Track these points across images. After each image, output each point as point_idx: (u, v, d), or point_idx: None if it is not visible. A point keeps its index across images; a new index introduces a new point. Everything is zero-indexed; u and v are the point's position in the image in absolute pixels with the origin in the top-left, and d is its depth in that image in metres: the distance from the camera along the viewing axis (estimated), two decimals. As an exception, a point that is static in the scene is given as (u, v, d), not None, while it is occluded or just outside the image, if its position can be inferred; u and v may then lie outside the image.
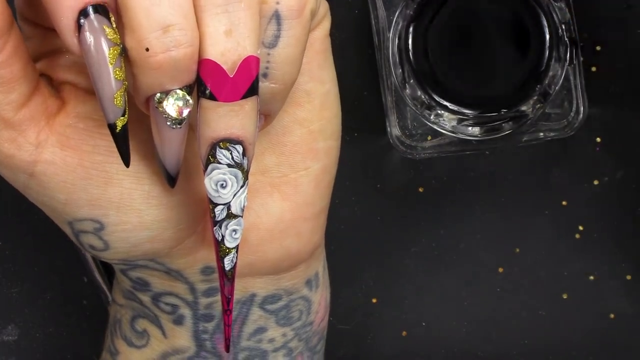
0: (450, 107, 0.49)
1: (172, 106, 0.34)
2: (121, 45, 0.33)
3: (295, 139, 0.39)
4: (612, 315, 0.54)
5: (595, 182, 0.54)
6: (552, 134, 0.50)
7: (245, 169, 0.35)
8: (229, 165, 0.35)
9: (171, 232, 0.39)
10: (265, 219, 0.40)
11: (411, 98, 0.49)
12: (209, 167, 0.35)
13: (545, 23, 0.48)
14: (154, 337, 0.43)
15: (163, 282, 0.42)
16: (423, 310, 0.55)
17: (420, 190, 0.54)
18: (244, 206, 0.36)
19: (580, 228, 0.54)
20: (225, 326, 0.39)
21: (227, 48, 0.33)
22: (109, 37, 0.33)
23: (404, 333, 0.55)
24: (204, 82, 0.34)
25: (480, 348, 0.55)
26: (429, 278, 0.55)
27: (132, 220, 0.38)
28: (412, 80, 0.49)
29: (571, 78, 0.49)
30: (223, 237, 0.36)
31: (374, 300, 0.55)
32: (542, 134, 0.50)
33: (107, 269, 0.56)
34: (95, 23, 0.32)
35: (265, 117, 0.37)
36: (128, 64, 0.34)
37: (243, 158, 0.35)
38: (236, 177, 0.35)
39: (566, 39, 0.48)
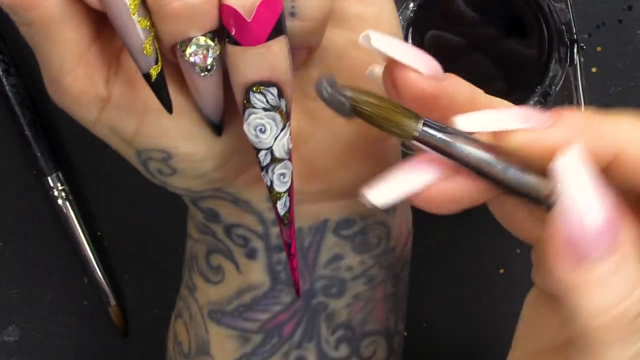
0: (450, 107, 0.50)
1: (196, 54, 0.34)
2: None
3: (353, 62, 0.38)
4: (612, 315, 0.55)
5: (595, 183, 0.54)
6: (552, 134, 0.50)
7: (285, 111, 0.35)
8: (265, 109, 0.34)
9: (237, 161, 0.39)
10: (332, 145, 0.39)
11: (411, 99, 0.50)
12: (246, 113, 0.35)
13: (545, 23, 0.48)
14: (229, 272, 0.43)
15: (232, 213, 0.41)
16: (423, 310, 0.55)
17: (421, 190, 0.54)
18: (288, 149, 0.35)
19: (580, 228, 0.54)
20: (290, 271, 0.38)
21: None
22: None
23: (404, 333, 0.55)
24: (226, 28, 0.33)
25: (480, 348, 0.55)
26: (429, 278, 0.55)
27: (200, 150, 0.38)
28: (412, 81, 0.49)
29: (571, 78, 0.49)
30: (272, 181, 0.36)
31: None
32: (542, 134, 0.50)
33: (107, 269, 0.56)
34: None
35: (308, 50, 0.37)
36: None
37: (280, 100, 0.34)
38: (274, 120, 0.35)
39: (566, 39, 0.48)
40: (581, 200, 0.31)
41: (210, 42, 0.34)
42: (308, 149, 0.39)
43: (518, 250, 0.54)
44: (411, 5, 0.49)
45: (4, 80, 0.54)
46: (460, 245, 0.55)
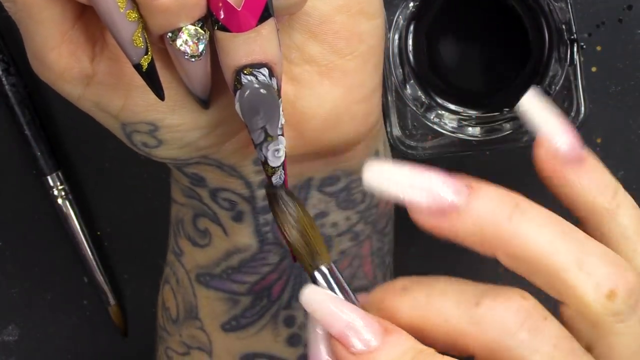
0: (450, 107, 0.49)
1: (186, 43, 0.34)
2: None
3: (336, 27, 0.38)
4: (612, 315, 0.54)
5: (596, 182, 0.54)
6: (552, 134, 0.50)
7: (276, 88, 0.35)
8: (257, 90, 0.35)
9: (223, 129, 0.39)
10: (318, 109, 0.40)
11: (411, 98, 0.49)
12: (237, 94, 0.35)
13: (545, 23, 0.48)
14: (216, 235, 0.43)
15: (218, 178, 0.42)
16: (423, 310, 0.55)
17: (421, 190, 0.54)
18: (281, 125, 0.36)
19: (580, 228, 0.54)
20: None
21: None
22: None
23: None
24: (214, 14, 0.34)
25: (480, 348, 0.55)
26: (429, 278, 0.55)
27: (186, 121, 0.39)
28: (412, 80, 0.49)
29: (571, 78, 0.49)
30: (266, 158, 0.36)
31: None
32: (542, 134, 0.50)
33: (107, 269, 0.56)
34: None
35: (291, 14, 0.37)
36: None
37: (271, 79, 0.35)
38: (266, 100, 0.35)
39: (566, 39, 0.48)
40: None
41: (200, 30, 0.34)
42: (295, 113, 0.39)
43: (518, 250, 0.54)
44: (411, 4, 0.49)
45: (3, 79, 0.54)
46: (460, 245, 0.55)
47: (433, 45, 0.49)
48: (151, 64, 0.34)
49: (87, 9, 0.36)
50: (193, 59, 0.35)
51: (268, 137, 0.36)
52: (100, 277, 0.55)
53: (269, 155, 0.36)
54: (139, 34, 0.34)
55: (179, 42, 0.34)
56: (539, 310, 0.32)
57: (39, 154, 0.54)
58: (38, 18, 0.35)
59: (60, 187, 0.54)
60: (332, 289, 0.35)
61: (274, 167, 0.37)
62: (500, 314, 0.32)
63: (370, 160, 0.34)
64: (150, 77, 0.35)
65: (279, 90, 0.35)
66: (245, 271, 0.43)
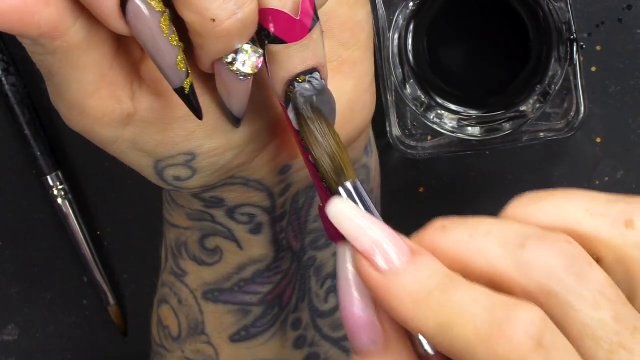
0: (450, 107, 0.49)
1: (244, 63, 0.34)
2: (167, 10, 0.32)
3: (341, 20, 0.39)
4: (612, 315, 0.54)
5: (596, 182, 0.54)
6: (552, 134, 0.50)
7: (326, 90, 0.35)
8: (316, 95, 0.35)
9: (253, 146, 0.39)
10: (337, 105, 0.39)
11: (411, 98, 0.49)
12: (292, 103, 0.35)
13: (545, 23, 0.48)
14: (228, 251, 0.43)
15: (240, 196, 0.41)
16: (423, 310, 0.55)
17: (421, 190, 0.54)
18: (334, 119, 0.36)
19: (580, 228, 0.54)
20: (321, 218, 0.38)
21: None
22: (154, 8, 0.32)
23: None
24: (266, 28, 0.33)
25: (480, 348, 0.55)
26: (429, 278, 0.55)
27: (222, 144, 0.38)
28: (412, 80, 0.49)
29: (571, 78, 0.49)
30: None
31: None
32: (542, 134, 0.50)
33: (107, 269, 0.56)
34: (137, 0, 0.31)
35: None
36: (183, 30, 0.33)
37: (322, 81, 0.35)
38: (326, 102, 0.35)
39: (566, 39, 0.48)
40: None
41: (257, 49, 0.34)
42: None
43: (518, 250, 0.54)
44: (411, 4, 0.49)
45: (3, 79, 0.54)
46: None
47: (433, 45, 0.49)
48: (192, 86, 0.34)
49: (121, 47, 0.35)
50: (243, 78, 0.34)
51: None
52: (100, 277, 0.55)
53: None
54: (182, 58, 0.33)
55: (237, 64, 0.34)
56: (584, 256, 0.30)
57: (39, 153, 0.54)
58: (77, 65, 0.34)
59: (60, 187, 0.54)
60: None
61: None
62: (546, 257, 0.30)
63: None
64: (190, 99, 0.34)
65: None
66: (259, 282, 0.43)
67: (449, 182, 0.54)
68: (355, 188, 0.34)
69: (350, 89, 0.40)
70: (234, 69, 0.34)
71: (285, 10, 0.33)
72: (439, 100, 0.49)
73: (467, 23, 0.49)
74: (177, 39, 0.33)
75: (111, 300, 0.55)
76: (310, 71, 0.34)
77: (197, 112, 0.35)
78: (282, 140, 0.40)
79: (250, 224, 0.42)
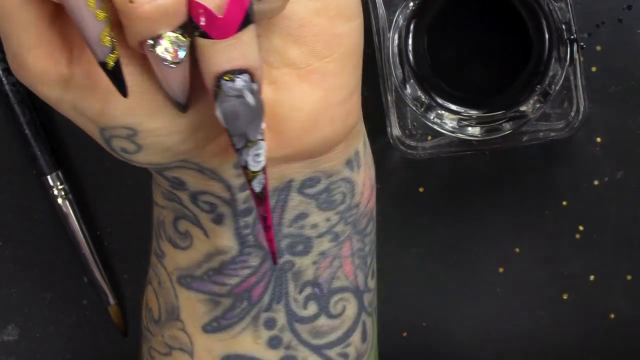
0: (450, 107, 0.49)
1: (167, 50, 0.34)
2: None
3: (315, 29, 0.39)
4: (612, 315, 0.54)
5: (596, 182, 0.54)
6: (552, 134, 0.50)
7: (257, 94, 0.35)
8: (238, 96, 0.35)
9: (202, 132, 0.39)
10: (297, 112, 0.40)
11: (411, 98, 0.49)
12: (217, 100, 0.35)
13: (545, 23, 0.48)
14: (197, 237, 0.43)
15: (198, 182, 0.42)
16: (423, 310, 0.55)
17: (420, 190, 0.54)
18: (262, 130, 0.36)
19: (581, 228, 0.54)
20: (268, 242, 0.39)
21: None
22: None
23: (404, 333, 0.55)
24: (195, 22, 0.34)
25: (480, 348, 0.55)
26: (429, 278, 0.55)
27: (165, 125, 0.38)
28: (412, 80, 0.49)
29: (571, 78, 0.49)
30: (247, 162, 0.36)
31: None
32: (542, 134, 0.50)
33: (107, 269, 0.56)
34: None
35: (270, 18, 0.38)
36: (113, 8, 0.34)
37: (252, 84, 0.35)
38: (247, 105, 0.35)
39: (566, 39, 0.48)
40: None
41: (180, 38, 0.34)
42: (274, 116, 0.39)
43: (518, 250, 0.54)
44: (410, 4, 0.49)
45: (3, 79, 0.54)
46: (460, 245, 0.55)
47: (433, 45, 0.49)
48: (117, 63, 0.35)
49: (63, 11, 0.36)
50: (173, 65, 0.35)
51: (249, 143, 0.36)
52: (100, 277, 0.55)
53: (250, 160, 0.36)
54: (107, 33, 0.34)
55: (159, 49, 0.34)
56: None
57: (39, 153, 0.54)
58: (13, 20, 0.35)
59: (60, 187, 0.54)
60: None
61: (254, 172, 0.37)
62: None
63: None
64: (116, 76, 0.35)
65: (259, 95, 0.36)
66: (226, 273, 0.43)
67: (449, 182, 0.54)
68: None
69: (317, 99, 0.39)
70: (157, 54, 0.34)
71: (209, 7, 0.34)
72: (439, 100, 0.49)
73: (467, 23, 0.49)
74: (104, 14, 0.33)
75: (111, 300, 0.55)
76: (238, 71, 0.35)
77: (121, 89, 0.35)
78: None
79: (212, 213, 0.42)
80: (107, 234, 0.56)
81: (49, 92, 0.38)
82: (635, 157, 0.53)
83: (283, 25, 0.39)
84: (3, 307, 0.56)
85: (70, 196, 0.54)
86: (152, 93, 0.38)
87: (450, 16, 0.49)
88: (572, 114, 0.50)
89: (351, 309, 0.45)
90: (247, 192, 0.42)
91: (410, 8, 0.49)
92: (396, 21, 0.49)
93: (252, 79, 0.35)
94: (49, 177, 0.54)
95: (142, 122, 0.38)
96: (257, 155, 0.36)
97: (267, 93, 0.39)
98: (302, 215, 0.43)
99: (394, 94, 0.50)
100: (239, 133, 0.36)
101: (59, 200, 0.54)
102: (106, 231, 0.56)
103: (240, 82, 0.35)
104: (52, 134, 0.55)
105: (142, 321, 0.48)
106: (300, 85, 0.39)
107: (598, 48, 0.52)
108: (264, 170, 0.37)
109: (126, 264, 0.56)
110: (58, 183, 0.54)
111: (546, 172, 0.54)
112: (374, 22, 0.49)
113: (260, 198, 0.37)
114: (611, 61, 0.52)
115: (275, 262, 0.39)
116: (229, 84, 0.35)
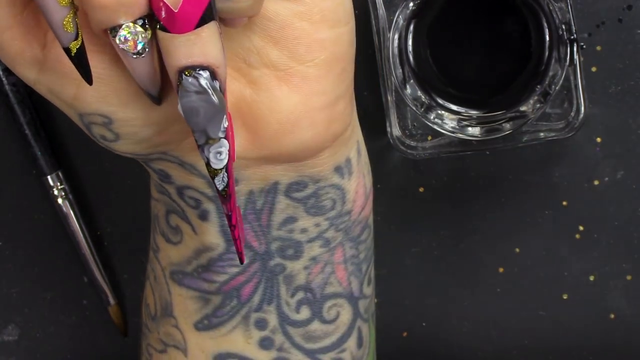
0: (450, 107, 0.49)
1: (126, 40, 0.35)
2: None
3: (296, 32, 0.39)
4: (612, 315, 0.54)
5: (596, 182, 0.54)
6: (552, 134, 0.50)
7: (219, 91, 0.35)
8: (197, 92, 0.35)
9: (179, 126, 0.40)
10: (275, 113, 0.40)
11: (411, 98, 0.49)
12: (179, 95, 0.35)
13: (545, 23, 0.48)
14: (186, 233, 0.43)
15: (182, 175, 0.42)
16: (423, 310, 0.55)
17: (421, 190, 0.54)
18: (224, 128, 0.36)
19: (581, 228, 0.54)
20: (234, 240, 0.39)
21: None
22: None
23: (404, 333, 0.55)
24: (156, 14, 0.34)
25: (480, 348, 0.55)
26: (429, 278, 0.55)
27: (139, 116, 0.39)
28: (412, 80, 0.49)
29: (571, 78, 0.49)
30: (208, 159, 0.36)
31: (374, 300, 0.55)
32: (542, 134, 0.50)
33: (107, 269, 0.56)
34: None
35: (249, 17, 0.38)
36: None
37: (213, 81, 0.35)
38: (207, 102, 0.35)
39: (566, 39, 0.48)
40: None
41: (139, 29, 0.35)
42: (252, 116, 0.39)
43: (518, 250, 0.54)
44: (411, 4, 0.49)
45: (3, 79, 0.54)
46: (460, 245, 0.55)
47: (433, 45, 0.49)
48: (80, 49, 0.35)
49: None
50: (135, 56, 0.35)
51: (209, 140, 0.36)
52: (100, 277, 0.55)
53: (211, 157, 0.36)
54: (70, 19, 0.34)
55: (117, 39, 0.35)
56: None
57: (39, 153, 0.54)
58: None
59: (60, 187, 0.54)
60: None
61: (216, 169, 0.37)
62: None
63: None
64: (79, 62, 0.35)
65: (222, 93, 0.35)
66: (214, 270, 0.43)
67: (449, 182, 0.54)
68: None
69: (296, 103, 0.39)
70: (117, 43, 0.35)
71: (166, 1, 0.34)
72: (439, 101, 0.49)
73: (467, 23, 0.49)
74: (67, 1, 0.34)
75: (111, 300, 0.55)
76: (199, 67, 0.35)
77: (85, 76, 0.36)
78: None
79: (197, 209, 0.42)
80: (107, 234, 0.56)
81: (26, 73, 0.39)
82: (635, 157, 0.53)
83: (264, 26, 0.39)
84: (3, 307, 0.56)
85: (70, 196, 0.54)
86: (124, 82, 0.38)
87: (451, 16, 0.49)
88: (572, 114, 0.50)
89: (345, 315, 0.45)
90: None
91: (410, 8, 0.49)
92: (396, 21, 0.49)
93: (214, 76, 0.35)
94: (49, 177, 0.54)
95: (115, 111, 0.39)
96: (219, 152, 0.36)
97: (245, 92, 0.39)
98: (290, 219, 0.43)
99: (394, 94, 0.50)
100: (199, 129, 0.36)
101: (59, 201, 0.54)
102: (106, 231, 0.56)
103: (200, 78, 0.35)
104: (52, 134, 0.55)
105: (141, 318, 0.48)
106: (280, 87, 0.39)
107: (598, 48, 0.52)
108: (227, 168, 0.37)
109: (126, 264, 0.56)
110: (58, 183, 0.54)
111: (546, 172, 0.54)
112: (374, 22, 0.49)
113: (224, 196, 0.37)
114: (611, 61, 0.52)
115: (242, 261, 0.39)
116: (190, 79, 0.35)
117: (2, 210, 0.56)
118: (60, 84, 0.38)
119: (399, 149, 0.51)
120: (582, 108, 0.49)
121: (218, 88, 0.35)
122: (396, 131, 0.51)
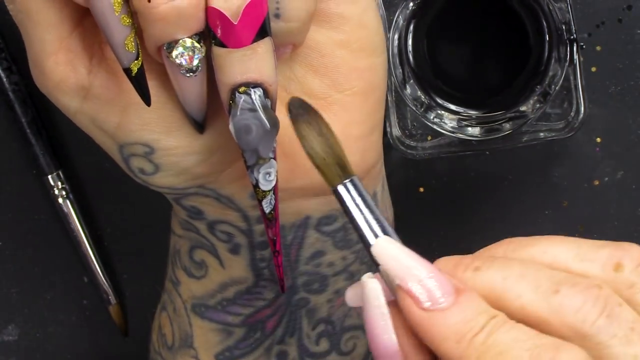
0: (450, 107, 0.50)
1: (182, 56, 0.34)
2: None
3: (336, 61, 0.39)
4: (612, 315, 0.54)
5: (596, 182, 0.54)
6: (552, 134, 0.50)
7: (270, 109, 0.35)
8: (251, 110, 0.35)
9: (220, 157, 0.39)
10: None
11: (411, 98, 0.50)
12: (231, 113, 0.35)
13: (545, 23, 0.48)
14: (212, 267, 0.43)
15: (216, 210, 0.41)
16: (423, 310, 0.55)
17: (421, 190, 0.54)
18: (274, 148, 0.36)
19: (580, 228, 0.54)
20: (275, 267, 0.38)
21: None
22: None
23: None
24: (212, 30, 0.34)
25: (480, 348, 0.55)
26: (429, 278, 0.55)
27: (182, 144, 0.38)
28: (412, 80, 0.49)
29: (571, 78, 0.49)
30: (257, 180, 0.36)
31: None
32: (542, 134, 0.50)
33: (108, 268, 0.56)
34: None
35: (292, 47, 0.37)
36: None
37: (265, 99, 0.35)
38: (260, 120, 0.35)
39: (566, 39, 0.48)
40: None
41: (196, 44, 0.34)
42: (290, 144, 0.39)
43: (518, 250, 0.54)
44: (411, 4, 0.49)
45: (4, 78, 0.54)
46: (460, 245, 0.55)
47: (433, 45, 0.49)
48: (140, 69, 0.35)
49: (86, 19, 0.36)
50: (188, 74, 0.35)
51: (260, 160, 0.36)
52: (100, 277, 0.55)
53: (260, 178, 0.36)
54: (132, 39, 0.34)
55: (174, 53, 0.34)
56: (614, 298, 0.32)
57: (39, 153, 0.54)
58: (36, 20, 0.35)
59: (60, 187, 0.54)
60: (357, 202, 0.34)
61: (264, 191, 0.36)
62: (579, 302, 0.31)
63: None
64: (139, 82, 0.35)
65: (273, 111, 0.35)
66: (240, 303, 0.43)
67: (449, 182, 0.54)
68: (355, 185, 0.34)
69: (335, 132, 0.39)
70: (172, 59, 0.34)
71: (226, 14, 0.33)
72: (439, 101, 0.49)
73: (467, 23, 0.50)
74: (129, 20, 0.34)
75: (112, 300, 0.55)
76: (253, 84, 0.34)
77: (145, 97, 0.35)
78: None
79: (229, 243, 0.42)
80: (107, 234, 0.56)
81: (68, 101, 0.38)
82: (635, 157, 0.53)
83: (304, 54, 0.38)
84: (3, 307, 0.56)
85: (70, 196, 0.55)
86: (169, 109, 0.38)
87: (450, 16, 0.49)
88: (572, 114, 0.50)
89: (361, 347, 0.45)
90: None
91: (410, 8, 0.49)
92: (396, 21, 0.49)
93: (267, 94, 0.35)
94: (49, 177, 0.54)
95: (158, 139, 0.38)
96: (268, 173, 0.36)
97: (285, 120, 0.39)
98: (318, 253, 0.42)
99: (394, 94, 0.50)
100: (250, 148, 0.35)
101: (60, 200, 0.54)
102: (106, 231, 0.56)
103: (254, 95, 0.34)
104: (53, 134, 0.55)
105: (151, 345, 0.47)
106: (325, 115, 0.39)
107: (598, 48, 0.52)
108: (274, 190, 0.36)
109: (126, 264, 0.56)
110: (59, 183, 0.54)
111: (546, 172, 0.54)
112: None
113: (270, 219, 0.37)
114: (611, 61, 0.52)
115: (283, 290, 0.39)
116: (243, 96, 0.34)
117: (2, 210, 0.56)
118: (104, 112, 0.38)
119: (398, 149, 0.51)
120: (582, 108, 0.49)
121: (269, 106, 0.35)
122: (396, 131, 0.51)
